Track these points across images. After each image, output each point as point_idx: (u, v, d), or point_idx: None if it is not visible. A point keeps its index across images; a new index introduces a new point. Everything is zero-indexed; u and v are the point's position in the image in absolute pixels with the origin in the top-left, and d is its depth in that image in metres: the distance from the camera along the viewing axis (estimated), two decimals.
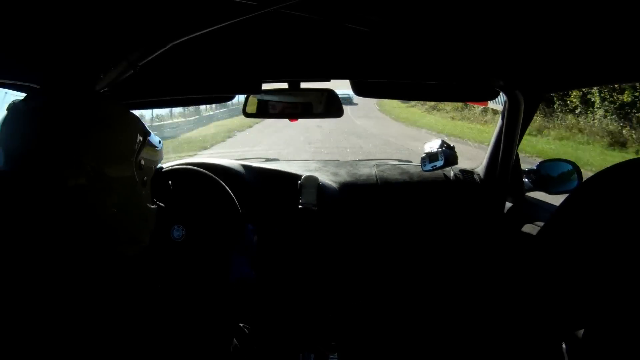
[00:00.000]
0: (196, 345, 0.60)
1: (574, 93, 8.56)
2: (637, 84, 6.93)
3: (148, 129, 0.65)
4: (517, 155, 1.35)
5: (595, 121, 8.30)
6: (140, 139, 0.61)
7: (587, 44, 0.76)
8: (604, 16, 0.63)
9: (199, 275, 0.98)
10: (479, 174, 1.49)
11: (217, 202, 1.10)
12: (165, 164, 1.22)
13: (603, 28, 0.67)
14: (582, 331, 0.46)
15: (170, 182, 0.82)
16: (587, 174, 0.68)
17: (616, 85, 7.13)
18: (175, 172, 1.11)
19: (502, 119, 1.29)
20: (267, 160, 1.67)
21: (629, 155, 6.85)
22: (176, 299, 0.63)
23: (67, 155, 0.52)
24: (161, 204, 0.68)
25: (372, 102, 16.91)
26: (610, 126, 7.96)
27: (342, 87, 1.21)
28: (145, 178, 0.63)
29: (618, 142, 7.65)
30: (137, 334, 0.54)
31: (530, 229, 1.21)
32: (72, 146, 0.53)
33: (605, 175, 0.44)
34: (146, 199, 0.64)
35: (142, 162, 0.61)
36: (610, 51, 0.76)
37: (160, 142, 0.69)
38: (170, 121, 11.73)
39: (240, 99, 1.31)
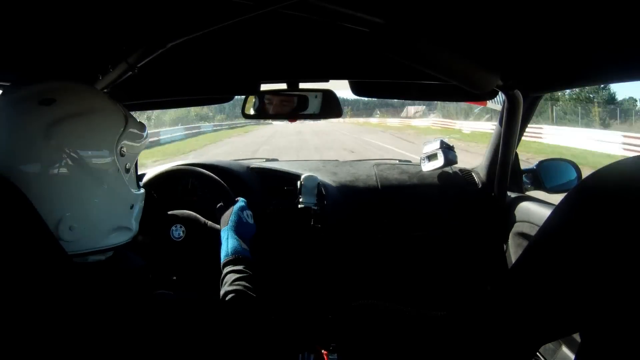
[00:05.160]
0: (203, 343, 0.60)
1: None
2: None
3: (131, 114, 0.66)
4: (517, 154, 1.36)
5: None
6: (121, 128, 0.62)
7: (585, 42, 0.76)
8: (603, 15, 0.63)
9: (203, 272, 0.97)
10: (478, 174, 1.49)
11: (205, 191, 1.11)
12: (151, 170, 1.24)
13: (601, 27, 0.67)
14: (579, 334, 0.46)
15: (152, 191, 0.80)
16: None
17: None
18: (159, 177, 1.12)
19: (501, 118, 1.29)
20: (267, 160, 1.68)
21: None
22: (183, 296, 0.62)
23: (45, 145, 0.53)
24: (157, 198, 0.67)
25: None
26: None
27: None
28: (128, 165, 0.64)
29: None
30: (139, 333, 0.54)
31: (529, 228, 1.21)
32: (51, 136, 0.53)
33: (605, 174, 0.44)
34: (131, 185, 0.65)
35: (124, 149, 0.62)
36: (609, 50, 0.76)
37: (145, 127, 0.69)
38: None
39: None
